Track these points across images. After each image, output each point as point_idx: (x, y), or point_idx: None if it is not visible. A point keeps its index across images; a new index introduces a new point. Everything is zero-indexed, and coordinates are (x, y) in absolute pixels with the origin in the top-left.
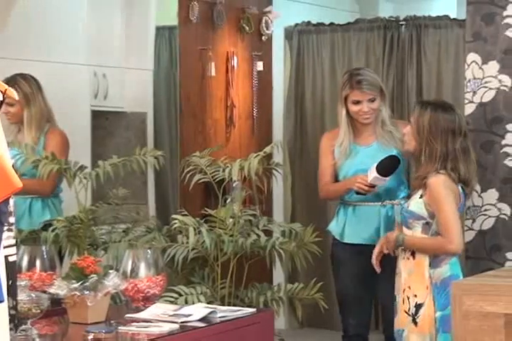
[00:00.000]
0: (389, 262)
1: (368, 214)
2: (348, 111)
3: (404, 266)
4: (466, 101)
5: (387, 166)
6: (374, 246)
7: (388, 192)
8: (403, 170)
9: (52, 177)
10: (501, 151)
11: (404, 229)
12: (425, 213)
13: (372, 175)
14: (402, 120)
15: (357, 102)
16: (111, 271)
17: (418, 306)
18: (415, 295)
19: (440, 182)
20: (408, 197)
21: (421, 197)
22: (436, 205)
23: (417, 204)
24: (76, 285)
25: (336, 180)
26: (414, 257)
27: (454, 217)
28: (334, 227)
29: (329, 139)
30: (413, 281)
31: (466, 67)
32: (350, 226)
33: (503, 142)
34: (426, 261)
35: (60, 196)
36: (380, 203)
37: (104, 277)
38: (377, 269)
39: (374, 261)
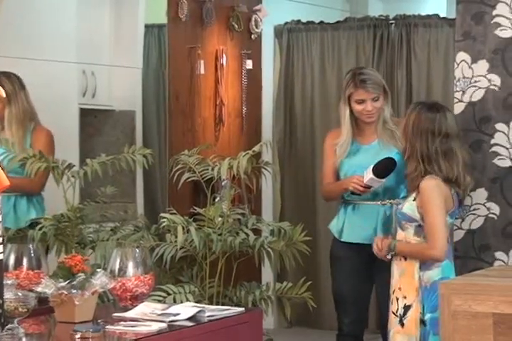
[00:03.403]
0: (387, 261)
1: (367, 213)
2: (351, 110)
3: (397, 266)
4: (456, 100)
5: (383, 168)
6: (371, 245)
7: (388, 191)
8: (404, 169)
9: (40, 176)
10: (490, 150)
11: (399, 230)
12: (417, 216)
13: (369, 176)
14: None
15: (361, 101)
16: (99, 270)
17: (406, 308)
18: (404, 297)
19: (432, 186)
20: (404, 198)
21: (414, 199)
22: (424, 209)
23: (410, 206)
24: (63, 283)
25: (338, 179)
26: (405, 259)
27: (440, 222)
28: (334, 226)
29: (333, 138)
30: (403, 283)
31: (456, 66)
32: (348, 225)
33: (492, 141)
34: (416, 263)
35: (42, 194)
36: (379, 202)
37: (91, 276)
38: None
39: (378, 252)
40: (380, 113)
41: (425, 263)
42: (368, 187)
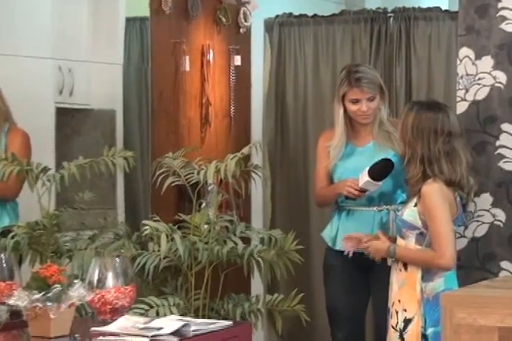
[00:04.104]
0: (385, 271)
1: (362, 220)
2: (345, 110)
3: (396, 278)
4: (458, 99)
5: (380, 170)
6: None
7: (385, 197)
8: (402, 173)
9: (16, 180)
10: (495, 153)
11: (398, 238)
12: (419, 223)
13: (364, 179)
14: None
15: (356, 101)
16: (76, 281)
17: (407, 321)
18: (405, 310)
19: (435, 190)
20: (404, 204)
21: (415, 205)
22: (429, 215)
23: (411, 213)
24: (38, 296)
25: (332, 183)
26: (406, 269)
27: (447, 228)
28: (327, 233)
29: (326, 140)
30: (404, 295)
31: (459, 62)
32: (342, 233)
33: (498, 143)
34: (418, 273)
35: (16, 200)
36: (375, 208)
37: (68, 287)
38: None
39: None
40: (376, 114)
41: (428, 274)
42: (363, 191)
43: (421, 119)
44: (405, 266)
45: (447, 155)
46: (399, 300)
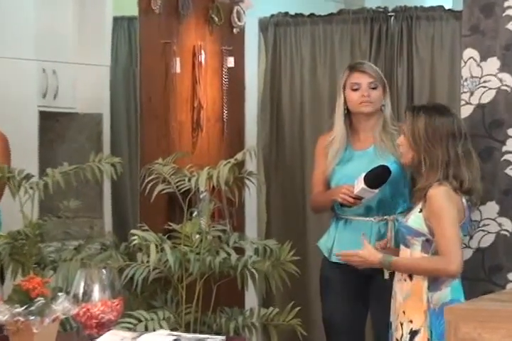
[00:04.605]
0: (384, 283)
1: (359, 230)
2: (347, 112)
3: (400, 288)
4: (463, 102)
5: (376, 177)
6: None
7: (383, 206)
8: (402, 181)
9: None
10: (502, 159)
11: (402, 247)
12: (425, 229)
13: (360, 186)
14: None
15: (357, 87)
16: (60, 294)
17: (413, 333)
18: (410, 321)
19: (442, 194)
20: (408, 211)
21: (421, 211)
22: (436, 220)
23: (416, 219)
24: (20, 309)
25: (330, 188)
26: (411, 279)
27: (454, 231)
28: (324, 243)
29: (324, 143)
30: (409, 306)
31: (463, 64)
32: (339, 243)
33: (504, 149)
34: (424, 283)
35: None
36: (373, 218)
37: (52, 300)
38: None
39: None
40: (378, 107)
41: (434, 283)
42: (358, 198)
43: (435, 123)
44: (410, 276)
45: (465, 158)
46: (403, 312)
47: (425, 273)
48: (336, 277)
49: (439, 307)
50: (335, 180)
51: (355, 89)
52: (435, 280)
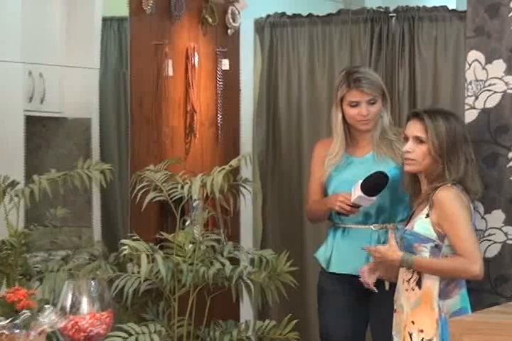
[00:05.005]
0: (386, 293)
1: (358, 240)
2: (343, 117)
3: (408, 298)
4: (467, 106)
5: (373, 184)
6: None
7: (383, 213)
8: (402, 187)
9: None
10: (508, 166)
11: None
12: (433, 234)
13: (357, 193)
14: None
15: (355, 104)
16: (47, 306)
17: None
18: (421, 331)
19: (453, 196)
20: (409, 218)
21: (427, 216)
22: (449, 222)
23: (423, 224)
24: (4, 322)
25: (326, 196)
26: (420, 287)
27: (472, 233)
28: (321, 254)
29: (322, 150)
30: (419, 315)
31: (467, 67)
32: (337, 253)
33: (510, 155)
34: (435, 290)
35: None
36: (373, 226)
37: (38, 313)
38: (373, 287)
39: (366, 281)
40: (377, 120)
41: (445, 290)
42: (356, 206)
43: (454, 128)
44: (419, 284)
45: (473, 163)
46: (412, 322)
47: (448, 273)
48: (334, 289)
49: (450, 316)
50: (332, 186)
51: (354, 106)
52: (446, 287)
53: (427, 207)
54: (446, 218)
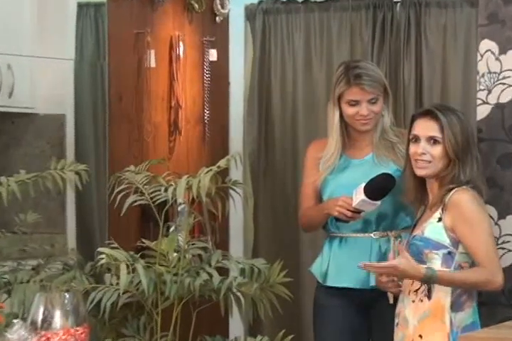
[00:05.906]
0: (389, 307)
1: (356, 249)
2: (341, 115)
3: (414, 311)
4: (479, 101)
5: (378, 187)
6: (364, 290)
7: (384, 220)
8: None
9: None
10: None
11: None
12: (446, 240)
13: (359, 197)
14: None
15: (354, 103)
16: (16, 321)
17: None
18: None
19: (471, 199)
20: (415, 223)
21: (439, 220)
22: (468, 227)
23: (434, 229)
24: None
25: (321, 202)
26: (430, 297)
27: (492, 240)
28: (317, 267)
29: (316, 150)
30: (427, 328)
31: (479, 57)
32: (334, 265)
33: None
34: (447, 302)
35: None
36: (373, 234)
37: (6, 328)
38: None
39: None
40: (377, 120)
41: (457, 303)
42: (357, 211)
43: (466, 126)
44: (428, 295)
45: (479, 162)
46: (420, 336)
47: (472, 286)
48: (331, 304)
49: (462, 331)
50: (328, 191)
51: (353, 105)
52: (458, 299)
53: (439, 211)
54: (464, 221)
